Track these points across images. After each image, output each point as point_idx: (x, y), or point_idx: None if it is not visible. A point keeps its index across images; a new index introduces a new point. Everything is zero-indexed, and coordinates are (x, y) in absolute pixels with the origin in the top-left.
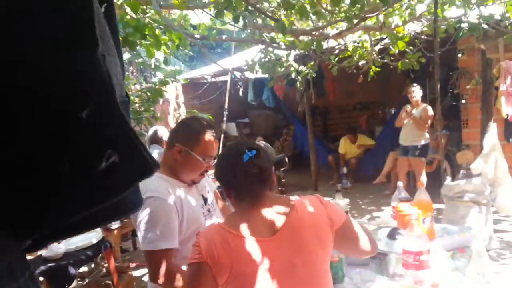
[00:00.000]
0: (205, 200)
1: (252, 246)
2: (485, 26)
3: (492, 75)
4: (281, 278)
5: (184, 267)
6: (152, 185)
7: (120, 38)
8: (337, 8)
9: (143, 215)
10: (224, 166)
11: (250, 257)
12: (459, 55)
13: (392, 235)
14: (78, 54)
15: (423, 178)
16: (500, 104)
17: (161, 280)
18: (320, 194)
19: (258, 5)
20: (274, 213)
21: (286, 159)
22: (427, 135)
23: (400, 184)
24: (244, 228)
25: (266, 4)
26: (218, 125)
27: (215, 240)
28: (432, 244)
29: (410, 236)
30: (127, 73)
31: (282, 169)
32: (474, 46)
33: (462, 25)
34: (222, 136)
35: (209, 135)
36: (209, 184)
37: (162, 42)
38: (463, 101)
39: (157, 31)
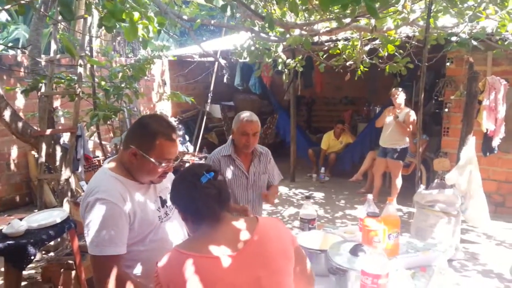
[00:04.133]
0: (164, 202)
1: (216, 264)
2: (475, 43)
3: (477, 88)
4: None
5: (138, 267)
6: (104, 186)
7: (100, 12)
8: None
9: (91, 217)
10: (181, 190)
11: (215, 275)
12: (448, 63)
13: (354, 251)
14: None
15: (399, 181)
16: (481, 118)
17: (108, 286)
18: (297, 186)
19: None
20: (236, 230)
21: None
22: (407, 139)
23: (370, 197)
24: (205, 248)
25: None
26: (203, 106)
27: (173, 268)
28: (393, 262)
29: (372, 256)
30: (114, 43)
31: None
32: (463, 57)
33: (453, 38)
34: (205, 118)
35: (166, 138)
36: None
37: (142, 26)
38: (446, 110)
39: (137, 16)
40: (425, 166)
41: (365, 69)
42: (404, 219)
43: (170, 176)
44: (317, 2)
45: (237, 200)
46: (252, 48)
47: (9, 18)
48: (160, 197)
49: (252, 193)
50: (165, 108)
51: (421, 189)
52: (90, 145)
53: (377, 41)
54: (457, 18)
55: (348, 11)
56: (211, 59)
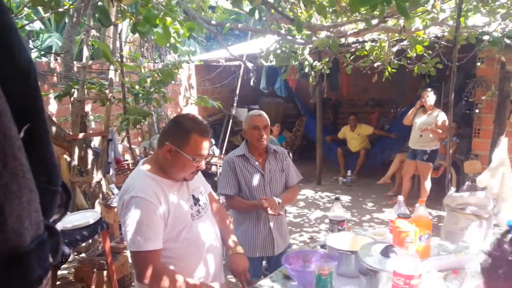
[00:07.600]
0: (196, 200)
1: None
2: (508, 41)
3: (510, 88)
4: None
5: (172, 264)
6: (138, 185)
7: (132, 19)
8: None
9: (127, 215)
10: None
11: None
12: (478, 63)
13: (385, 252)
14: None
15: (428, 183)
16: None
17: (147, 280)
18: (323, 189)
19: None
20: None
21: (290, 154)
22: (437, 140)
23: (401, 198)
24: None
25: None
26: (228, 109)
27: None
28: (425, 264)
29: (404, 257)
30: (142, 49)
31: None
32: (494, 56)
33: (484, 37)
34: (231, 121)
35: (199, 134)
36: (204, 185)
37: (173, 31)
38: (477, 111)
39: (169, 20)
40: (455, 169)
41: (393, 70)
42: (434, 222)
43: (201, 177)
44: (344, 4)
45: (255, 198)
46: (279, 51)
47: (42, 27)
48: (193, 196)
49: (269, 191)
50: (192, 112)
51: (452, 191)
52: (120, 148)
53: (405, 42)
54: (488, 17)
55: (377, 12)
56: (237, 63)
